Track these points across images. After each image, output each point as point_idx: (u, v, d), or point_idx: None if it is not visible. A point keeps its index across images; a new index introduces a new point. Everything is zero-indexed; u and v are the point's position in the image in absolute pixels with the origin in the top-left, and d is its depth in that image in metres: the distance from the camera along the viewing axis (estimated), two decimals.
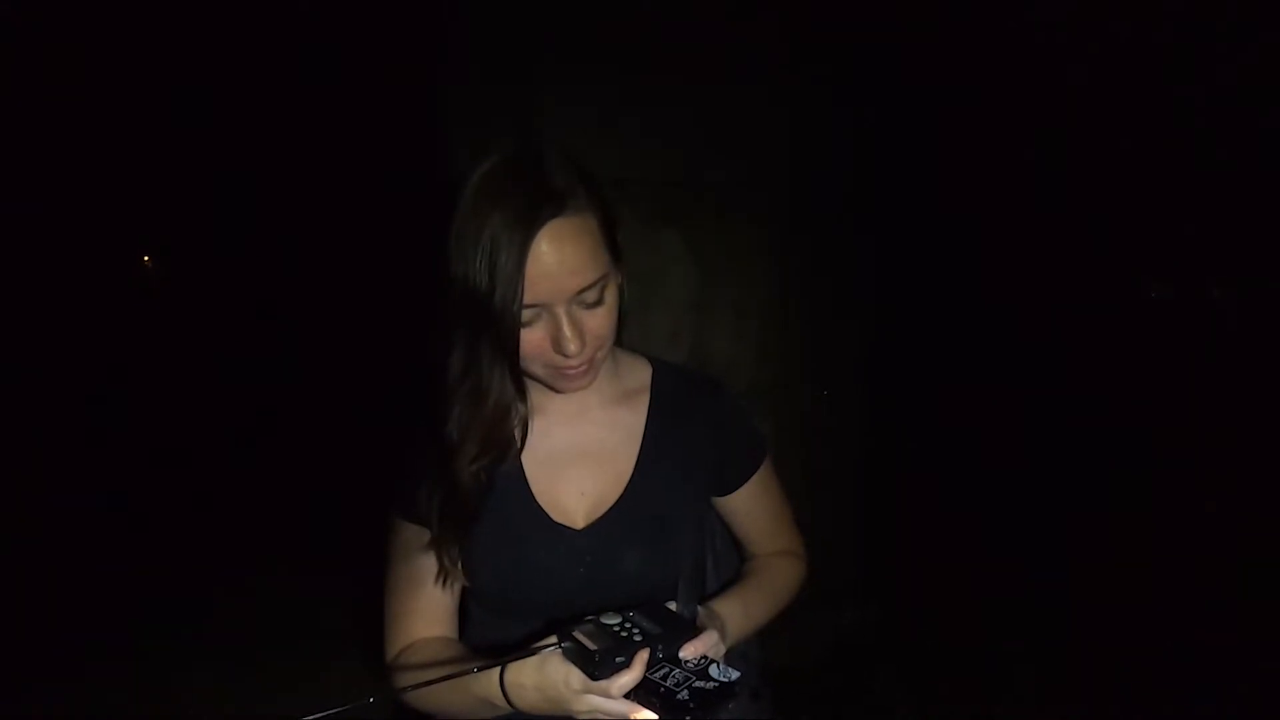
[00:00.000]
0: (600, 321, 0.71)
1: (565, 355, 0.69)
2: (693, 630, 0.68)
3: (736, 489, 0.88)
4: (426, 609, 0.80)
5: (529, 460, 0.81)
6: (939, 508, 3.69)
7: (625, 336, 0.83)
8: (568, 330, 0.68)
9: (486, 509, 0.77)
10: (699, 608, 0.78)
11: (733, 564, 0.96)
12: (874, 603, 2.54)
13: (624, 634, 0.65)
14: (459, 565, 0.77)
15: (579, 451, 0.82)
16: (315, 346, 7.55)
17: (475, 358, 0.71)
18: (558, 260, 0.66)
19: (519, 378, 0.72)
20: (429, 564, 0.78)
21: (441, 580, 0.79)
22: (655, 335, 2.01)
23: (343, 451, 3.40)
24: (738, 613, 0.82)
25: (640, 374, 0.88)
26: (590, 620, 0.67)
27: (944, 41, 2.48)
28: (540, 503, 0.80)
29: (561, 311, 0.68)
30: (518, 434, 0.80)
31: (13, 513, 3.75)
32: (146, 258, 11.97)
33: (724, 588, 0.89)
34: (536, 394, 0.81)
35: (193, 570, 3.19)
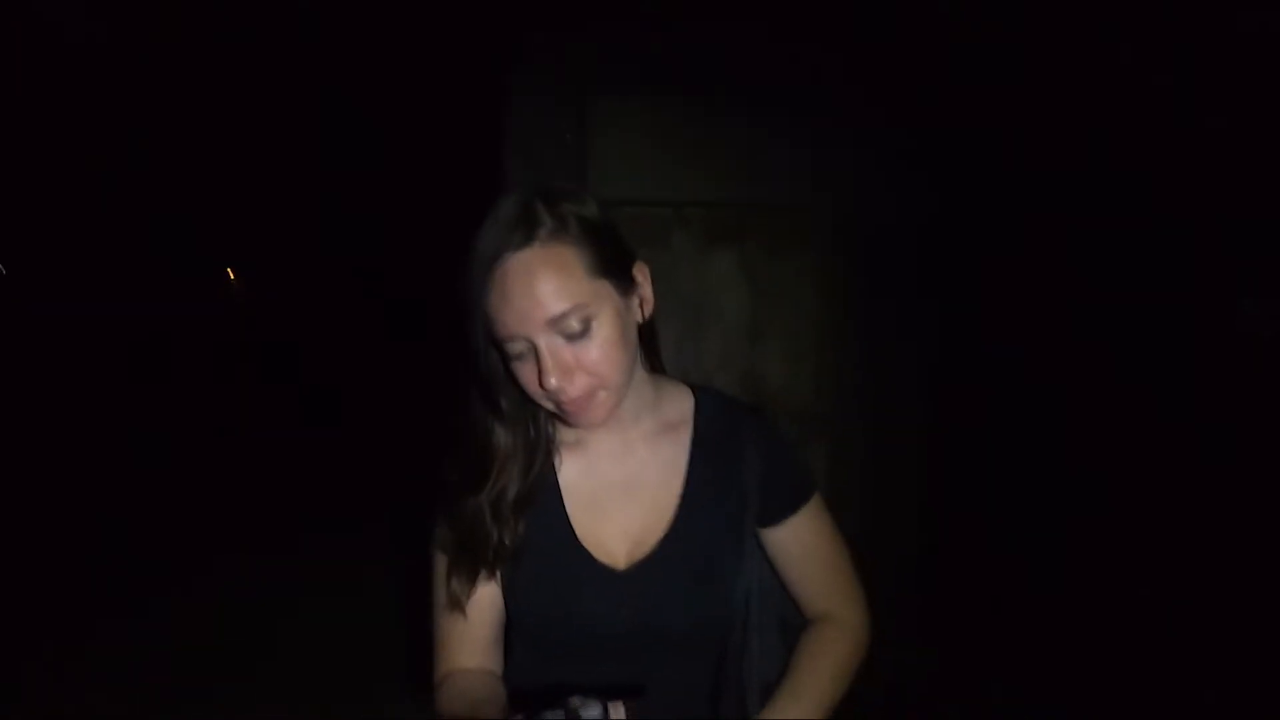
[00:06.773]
0: (591, 354, 0.70)
1: (546, 388, 0.70)
2: None
3: (781, 521, 0.83)
4: (466, 638, 0.80)
5: (571, 499, 0.80)
6: (1007, 540, 3.51)
7: (677, 361, 0.81)
8: (546, 362, 0.69)
9: (529, 548, 0.77)
10: None
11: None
12: (935, 645, 2.42)
13: None
14: (500, 599, 0.79)
15: (622, 488, 0.81)
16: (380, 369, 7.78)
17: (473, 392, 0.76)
18: (521, 291, 0.67)
19: (500, 412, 0.76)
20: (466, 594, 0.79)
21: (480, 612, 0.79)
22: (707, 360, 1.99)
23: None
24: None
25: (682, 404, 0.85)
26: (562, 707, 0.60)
27: (1005, 62, 2.40)
28: (584, 543, 0.79)
29: (541, 344, 0.69)
30: (553, 465, 0.81)
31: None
32: (231, 272, 12.73)
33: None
34: (575, 429, 0.80)
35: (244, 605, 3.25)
